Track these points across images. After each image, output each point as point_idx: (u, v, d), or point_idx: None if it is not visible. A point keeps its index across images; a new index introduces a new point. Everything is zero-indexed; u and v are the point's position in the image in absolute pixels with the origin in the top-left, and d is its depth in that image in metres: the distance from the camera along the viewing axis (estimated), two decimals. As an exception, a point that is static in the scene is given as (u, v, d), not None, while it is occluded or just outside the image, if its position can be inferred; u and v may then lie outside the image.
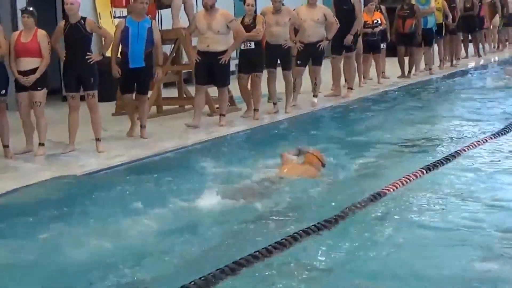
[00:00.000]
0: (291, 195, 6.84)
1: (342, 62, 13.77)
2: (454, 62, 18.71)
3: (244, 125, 10.96)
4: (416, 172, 7.45)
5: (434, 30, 16.66)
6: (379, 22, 15.25)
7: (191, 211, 6.36)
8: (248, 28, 11.25)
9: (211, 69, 10.73)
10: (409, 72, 16.39)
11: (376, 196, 6.65)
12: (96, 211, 6.43)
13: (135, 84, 10.08)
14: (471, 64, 19.40)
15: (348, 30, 13.13)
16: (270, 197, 6.75)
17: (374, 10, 15.31)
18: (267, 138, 10.17)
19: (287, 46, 11.79)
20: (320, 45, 12.33)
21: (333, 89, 13.93)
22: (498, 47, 22.66)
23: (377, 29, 15.21)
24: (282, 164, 7.65)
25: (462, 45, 19.54)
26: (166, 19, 12.64)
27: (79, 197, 7.01)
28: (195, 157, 8.69)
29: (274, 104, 12.06)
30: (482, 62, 20.18)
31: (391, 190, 6.86)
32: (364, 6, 14.98)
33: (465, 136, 9.67)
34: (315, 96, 12.84)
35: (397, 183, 7.04)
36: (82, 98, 9.42)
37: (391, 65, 16.51)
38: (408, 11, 15.94)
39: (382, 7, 15.92)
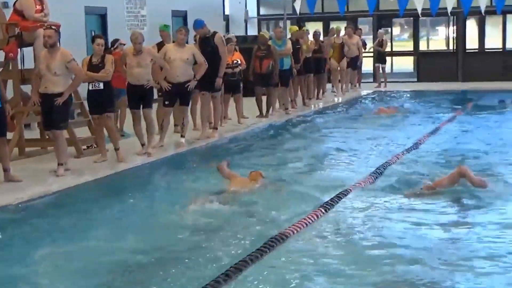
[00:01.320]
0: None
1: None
2: (306, 101, 19.04)
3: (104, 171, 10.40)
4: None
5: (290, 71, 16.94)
6: (239, 62, 15.30)
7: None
8: (97, 68, 10.98)
9: (47, 112, 10.20)
10: (267, 111, 16.54)
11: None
12: None
13: None
14: (322, 104, 19.86)
15: (213, 69, 13.03)
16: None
17: (234, 50, 15.35)
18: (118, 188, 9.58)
19: (149, 86, 11.66)
20: (188, 85, 12.24)
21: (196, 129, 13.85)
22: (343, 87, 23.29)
23: (237, 69, 15.25)
24: (229, 177, 9.14)
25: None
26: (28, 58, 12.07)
27: None
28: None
29: (143, 145, 11.79)
30: (337, 100, 20.87)
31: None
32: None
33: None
34: (182, 136, 12.69)
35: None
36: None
37: (247, 105, 16.58)
38: (265, 52, 16.11)
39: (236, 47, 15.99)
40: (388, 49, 25.44)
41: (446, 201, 8.30)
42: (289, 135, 14.54)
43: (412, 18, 26.65)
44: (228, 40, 15.36)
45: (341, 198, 8.44)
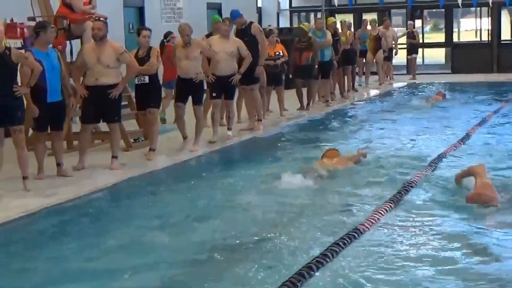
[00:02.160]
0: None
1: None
2: (345, 94, 18.92)
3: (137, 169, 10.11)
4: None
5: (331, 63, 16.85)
6: (281, 54, 15.22)
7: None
8: (142, 61, 10.82)
9: (99, 105, 10.04)
10: (308, 104, 16.43)
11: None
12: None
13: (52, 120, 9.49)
14: (357, 97, 19.75)
15: (253, 60, 12.83)
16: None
17: (275, 42, 15.26)
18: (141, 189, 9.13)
19: (198, 80, 11.46)
20: (232, 79, 12.14)
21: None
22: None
23: (279, 61, 15.15)
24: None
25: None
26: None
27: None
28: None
29: (184, 138, 11.69)
30: (371, 93, 20.72)
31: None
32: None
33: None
34: (229, 129, 12.62)
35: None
36: (8, 134, 8.76)
37: (288, 97, 16.48)
38: (305, 44, 15.99)
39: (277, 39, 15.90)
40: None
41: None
42: (345, 123, 14.80)
43: (443, 9, 26.59)
44: (270, 32, 15.33)
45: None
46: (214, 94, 12.16)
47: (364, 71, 22.10)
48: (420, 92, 21.01)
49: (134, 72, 10.46)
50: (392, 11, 26.98)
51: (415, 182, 8.61)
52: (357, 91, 20.41)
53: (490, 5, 24.40)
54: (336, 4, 24.45)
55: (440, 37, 28.54)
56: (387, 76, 22.84)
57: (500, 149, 11.07)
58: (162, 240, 6.73)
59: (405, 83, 23.12)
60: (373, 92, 20.87)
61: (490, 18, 26.09)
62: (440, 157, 10.23)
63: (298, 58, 16.04)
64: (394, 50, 22.55)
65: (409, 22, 24.92)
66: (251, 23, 13.43)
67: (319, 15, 23.76)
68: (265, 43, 13.50)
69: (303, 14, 28.70)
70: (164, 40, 13.76)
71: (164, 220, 7.46)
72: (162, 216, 7.61)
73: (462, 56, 25.89)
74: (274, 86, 15.22)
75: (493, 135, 12.49)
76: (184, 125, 11.62)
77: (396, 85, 22.63)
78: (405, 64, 25.51)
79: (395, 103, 18.28)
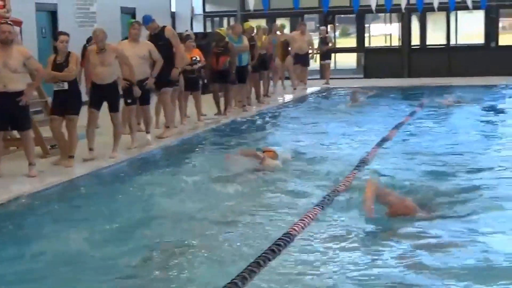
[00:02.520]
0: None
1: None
2: (261, 98, 18.96)
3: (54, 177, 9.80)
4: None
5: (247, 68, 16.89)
6: (198, 59, 15.11)
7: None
8: (61, 67, 10.51)
9: (8, 112, 9.65)
10: (225, 109, 16.38)
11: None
12: None
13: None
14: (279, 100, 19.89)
15: (169, 64, 12.80)
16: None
17: (192, 47, 15.16)
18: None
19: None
20: (146, 83, 12.05)
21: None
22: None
23: (196, 66, 15.04)
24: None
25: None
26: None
27: None
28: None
29: (90, 149, 11.11)
30: (286, 98, 20.85)
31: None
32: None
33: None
34: (148, 132, 12.51)
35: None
36: None
37: (205, 102, 16.40)
38: (222, 49, 15.94)
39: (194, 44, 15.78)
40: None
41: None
42: (262, 128, 14.90)
43: (354, 15, 27.02)
44: (187, 37, 15.28)
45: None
46: (128, 101, 11.95)
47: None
48: (337, 96, 21.44)
49: (42, 78, 10.16)
50: (305, 16, 27.14)
51: (337, 191, 8.57)
52: (269, 96, 20.36)
53: (403, 10, 24.84)
54: (252, 9, 24.46)
55: (349, 42, 28.97)
56: (301, 81, 22.90)
57: (417, 151, 11.29)
58: (84, 248, 6.59)
59: (319, 88, 23.26)
60: (288, 97, 20.96)
61: (401, 23, 26.57)
62: (363, 161, 10.32)
63: (215, 63, 15.95)
64: (310, 55, 22.64)
65: (321, 27, 25.12)
66: (164, 27, 13.36)
67: (232, 20, 23.77)
68: (179, 46, 13.42)
69: (216, 19, 28.69)
70: (86, 44, 13.50)
71: (86, 227, 7.28)
72: (83, 224, 7.44)
73: (374, 61, 26.29)
74: (191, 91, 15.10)
75: (409, 138, 12.74)
76: (94, 134, 11.19)
77: (310, 90, 22.73)
78: (318, 69, 25.63)
79: (312, 107, 18.49)
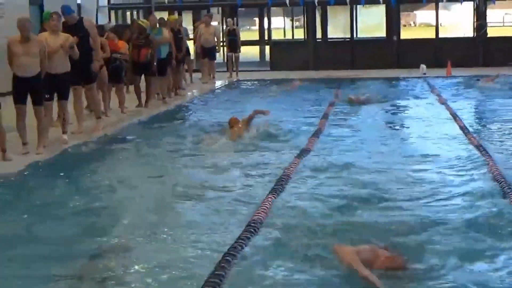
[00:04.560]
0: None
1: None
2: (179, 91, 18.92)
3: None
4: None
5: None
6: (121, 52, 15.00)
7: None
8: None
9: None
10: (146, 101, 16.29)
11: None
12: None
13: None
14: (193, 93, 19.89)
15: (88, 58, 12.60)
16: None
17: (116, 39, 15.02)
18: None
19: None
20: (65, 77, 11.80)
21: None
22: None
23: (119, 58, 14.92)
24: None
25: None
26: None
27: None
28: None
29: (24, 144, 10.96)
30: (203, 90, 20.68)
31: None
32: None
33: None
34: (64, 132, 12.09)
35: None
36: None
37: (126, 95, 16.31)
38: (143, 40, 15.86)
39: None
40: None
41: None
42: (185, 120, 14.92)
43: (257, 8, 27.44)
44: (106, 28, 15.13)
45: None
46: (46, 96, 11.46)
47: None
48: (249, 88, 21.53)
49: None
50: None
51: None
52: (184, 89, 20.30)
53: (316, 4, 25.27)
54: (166, 1, 24.37)
55: (249, 36, 29.16)
56: (210, 74, 22.86)
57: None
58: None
59: (226, 81, 23.19)
60: (204, 89, 20.84)
61: (305, 16, 26.95)
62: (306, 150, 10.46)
63: (136, 55, 15.86)
64: (216, 48, 22.57)
65: (228, 19, 25.20)
66: (81, 18, 13.17)
67: (141, 13, 23.56)
68: (97, 38, 13.08)
69: (121, 11, 28.46)
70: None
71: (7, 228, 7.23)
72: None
73: (279, 54, 26.58)
74: (114, 83, 14.98)
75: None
76: (25, 128, 10.99)
77: (219, 82, 22.73)
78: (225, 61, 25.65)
79: (227, 98, 18.56)
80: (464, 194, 8.00)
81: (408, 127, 13.56)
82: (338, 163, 9.63)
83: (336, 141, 11.58)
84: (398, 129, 13.31)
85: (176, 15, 19.23)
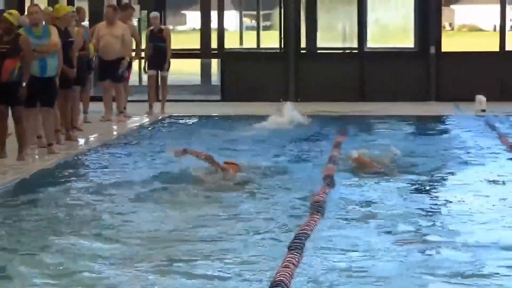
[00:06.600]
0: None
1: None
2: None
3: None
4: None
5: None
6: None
7: None
8: None
9: None
10: (20, 152, 11.65)
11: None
12: None
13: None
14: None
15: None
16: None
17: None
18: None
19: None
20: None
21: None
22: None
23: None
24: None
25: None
26: None
27: None
28: None
29: None
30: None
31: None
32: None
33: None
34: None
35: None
36: None
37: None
38: (8, 46, 11.24)
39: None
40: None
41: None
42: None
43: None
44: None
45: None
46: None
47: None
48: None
49: None
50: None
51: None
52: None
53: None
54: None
55: (184, 41, 23.38)
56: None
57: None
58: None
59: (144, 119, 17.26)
60: (105, 134, 15.11)
61: (281, 11, 19.88)
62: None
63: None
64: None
65: (151, 14, 17.63)
66: None
67: None
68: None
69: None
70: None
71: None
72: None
73: (236, 74, 19.45)
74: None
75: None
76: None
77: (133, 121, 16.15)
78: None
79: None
80: None
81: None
82: None
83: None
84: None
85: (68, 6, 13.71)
